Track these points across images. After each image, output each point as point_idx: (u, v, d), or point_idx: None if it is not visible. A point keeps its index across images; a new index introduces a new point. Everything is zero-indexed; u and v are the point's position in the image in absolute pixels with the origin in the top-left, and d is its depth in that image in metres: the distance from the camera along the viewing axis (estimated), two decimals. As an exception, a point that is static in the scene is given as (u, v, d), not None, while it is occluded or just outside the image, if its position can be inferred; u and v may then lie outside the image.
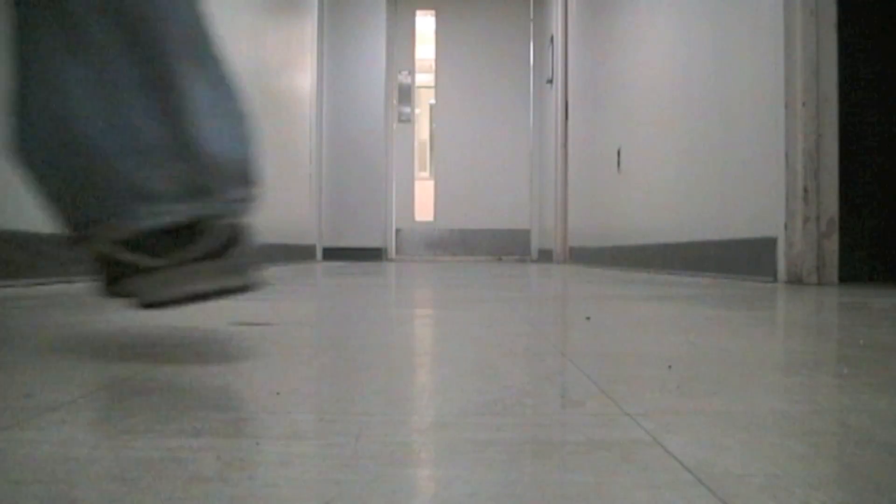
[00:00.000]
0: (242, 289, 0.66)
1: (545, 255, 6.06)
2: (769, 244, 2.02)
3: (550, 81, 6.11)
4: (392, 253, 6.06)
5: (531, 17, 7.26)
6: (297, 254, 4.51)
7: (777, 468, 0.31)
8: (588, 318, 0.96)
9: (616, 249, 3.73)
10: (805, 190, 1.92)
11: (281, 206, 4.16)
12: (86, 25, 0.65)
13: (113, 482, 0.29)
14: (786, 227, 1.95)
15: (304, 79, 4.88)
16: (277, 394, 0.46)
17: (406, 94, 6.37)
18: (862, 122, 1.98)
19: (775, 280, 1.98)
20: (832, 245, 1.93)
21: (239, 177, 0.69)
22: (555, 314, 1.03)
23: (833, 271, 1.93)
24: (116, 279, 0.68)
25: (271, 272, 2.75)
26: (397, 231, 6.56)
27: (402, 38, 6.40)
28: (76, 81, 0.66)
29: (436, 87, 6.70)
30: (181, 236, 0.65)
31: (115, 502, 0.27)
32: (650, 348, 0.68)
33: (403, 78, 6.33)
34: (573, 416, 0.41)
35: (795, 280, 1.92)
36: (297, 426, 0.38)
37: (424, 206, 6.36)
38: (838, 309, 1.11)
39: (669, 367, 0.56)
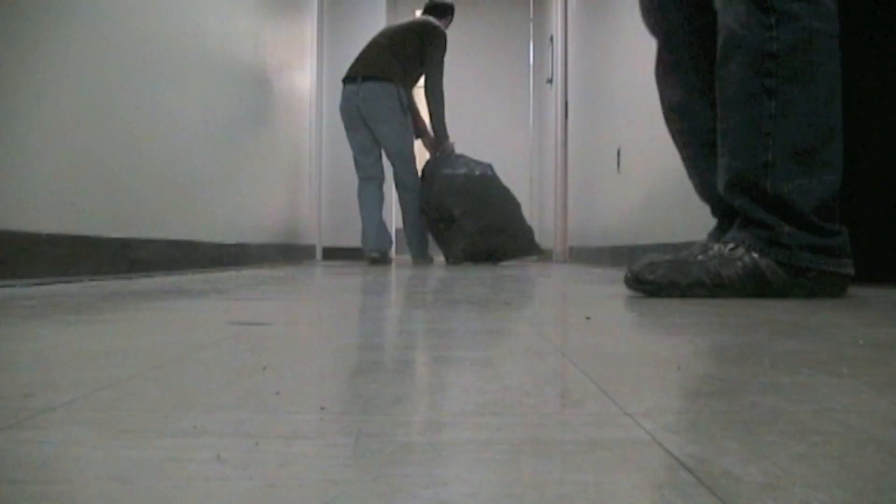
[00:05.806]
0: None
1: (545, 255, 6.06)
2: (769, 244, 2.02)
3: (550, 81, 6.11)
4: (392, 252, 6.07)
5: (531, 16, 7.25)
6: (296, 253, 4.51)
7: (777, 468, 0.31)
8: (588, 318, 0.96)
9: (616, 249, 3.73)
10: (805, 190, 1.92)
11: (281, 205, 4.16)
12: None
13: (113, 482, 0.29)
14: (786, 226, 1.95)
15: (304, 79, 4.88)
16: (277, 393, 0.46)
17: (406, 94, 6.37)
18: (862, 122, 1.98)
19: (775, 280, 1.98)
20: (832, 245, 1.93)
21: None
22: (555, 314, 1.03)
23: (833, 271, 1.93)
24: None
25: (269, 272, 2.75)
26: (397, 231, 6.55)
27: (401, 38, 6.40)
28: None
29: (436, 86, 6.69)
30: None
31: (114, 502, 0.27)
32: (650, 348, 0.68)
33: (403, 78, 6.33)
34: (573, 415, 0.41)
35: (795, 280, 1.92)
36: (297, 426, 0.38)
37: (424, 206, 6.36)
38: (838, 309, 1.11)
39: (678, 367, 0.56)
